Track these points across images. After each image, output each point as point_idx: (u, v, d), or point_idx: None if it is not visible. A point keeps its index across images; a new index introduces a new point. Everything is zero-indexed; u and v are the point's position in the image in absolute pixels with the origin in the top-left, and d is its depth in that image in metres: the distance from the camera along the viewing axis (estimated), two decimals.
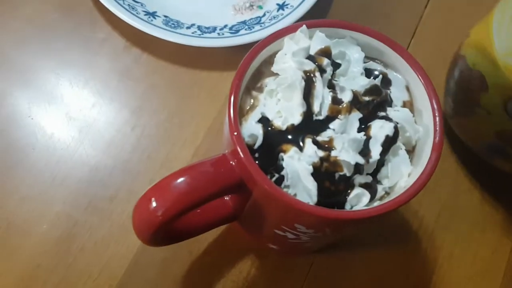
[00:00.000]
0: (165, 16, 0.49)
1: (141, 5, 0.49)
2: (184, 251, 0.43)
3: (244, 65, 0.32)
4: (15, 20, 0.50)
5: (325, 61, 0.32)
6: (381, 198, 0.32)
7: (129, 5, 0.48)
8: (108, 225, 0.43)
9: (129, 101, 0.48)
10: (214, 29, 0.49)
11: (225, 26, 0.49)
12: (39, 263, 0.42)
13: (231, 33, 0.48)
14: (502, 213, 0.48)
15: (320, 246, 0.42)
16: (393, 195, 0.31)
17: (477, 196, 0.48)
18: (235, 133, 0.30)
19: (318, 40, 0.33)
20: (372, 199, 0.31)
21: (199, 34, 0.48)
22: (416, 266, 0.45)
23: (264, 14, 0.50)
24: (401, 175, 0.31)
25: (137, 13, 0.48)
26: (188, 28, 0.48)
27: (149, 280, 0.42)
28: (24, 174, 0.44)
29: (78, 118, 0.47)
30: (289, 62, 0.32)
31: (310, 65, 0.31)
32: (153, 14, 0.49)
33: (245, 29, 0.49)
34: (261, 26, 0.49)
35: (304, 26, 0.33)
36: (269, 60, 0.34)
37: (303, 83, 0.31)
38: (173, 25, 0.48)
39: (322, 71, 0.32)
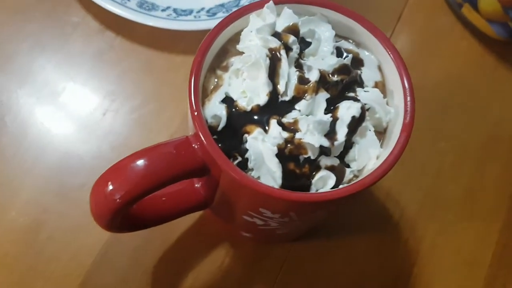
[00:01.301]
0: None
1: None
2: (156, 240, 0.42)
3: (207, 43, 0.30)
4: None
5: (291, 39, 0.30)
6: (349, 181, 0.30)
7: None
8: (77, 213, 0.42)
9: (102, 85, 0.46)
10: (191, 11, 0.47)
11: (202, 9, 0.48)
12: (6, 251, 0.41)
13: (208, 16, 0.47)
14: (489, 203, 0.46)
15: (294, 234, 0.41)
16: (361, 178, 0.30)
17: (463, 185, 0.47)
18: (195, 113, 0.29)
19: (286, 16, 0.31)
20: (339, 182, 0.30)
21: (175, 17, 0.46)
22: (397, 256, 0.44)
23: None
24: (369, 157, 0.30)
25: None
26: (163, 10, 0.47)
27: (119, 270, 0.41)
28: None
29: (49, 102, 0.45)
30: (254, 39, 0.31)
31: (275, 43, 0.30)
32: None
33: (223, 12, 0.47)
34: None
35: (271, 2, 0.31)
36: (235, 38, 0.32)
37: (268, 61, 0.30)
38: (147, 8, 0.47)
39: (288, 49, 0.30)
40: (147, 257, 0.42)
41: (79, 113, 0.45)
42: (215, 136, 0.29)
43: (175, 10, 0.47)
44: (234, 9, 0.47)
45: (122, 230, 0.34)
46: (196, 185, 0.37)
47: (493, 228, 0.46)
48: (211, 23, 0.46)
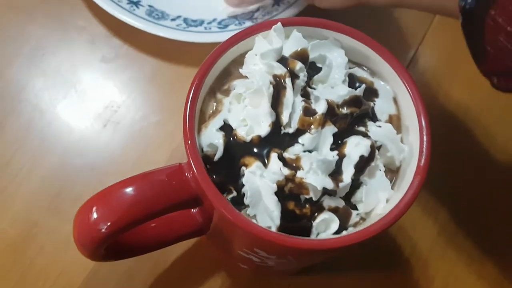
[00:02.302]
0: (150, 6, 0.45)
1: None
2: (149, 262, 0.40)
3: (208, 64, 0.28)
4: None
5: (298, 66, 0.28)
6: (355, 225, 0.28)
7: None
8: (69, 228, 0.40)
9: (104, 94, 0.44)
10: (202, 22, 0.45)
11: (214, 20, 0.45)
12: None
13: (219, 28, 0.45)
14: (504, 246, 0.43)
15: (295, 270, 0.38)
16: (368, 222, 0.27)
17: (477, 225, 0.43)
18: (189, 141, 0.26)
19: (294, 40, 0.29)
20: (343, 225, 0.27)
21: (184, 28, 0.44)
22: None
23: (258, 9, 0.46)
24: (378, 200, 0.27)
25: (119, 1, 0.44)
26: (173, 20, 0.45)
27: None
28: None
29: (48, 110, 0.43)
30: (258, 64, 0.28)
31: (280, 69, 0.27)
32: (136, 3, 0.45)
33: (235, 24, 0.45)
34: (253, 22, 0.45)
35: (279, 23, 0.29)
36: (240, 60, 0.30)
37: (271, 89, 0.27)
38: (157, 16, 0.44)
39: (294, 76, 0.28)
40: (139, 279, 0.39)
41: (78, 123, 0.43)
42: (209, 166, 0.27)
43: (185, 20, 0.45)
44: (247, 22, 0.45)
45: (108, 259, 0.32)
46: (193, 211, 0.35)
47: (509, 274, 0.42)
48: (221, 36, 0.43)
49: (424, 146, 0.27)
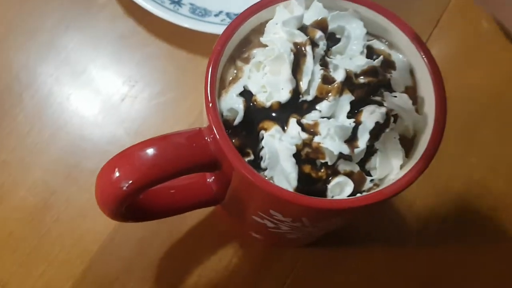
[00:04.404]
0: (191, 4, 0.46)
1: None
2: (164, 232, 0.41)
3: (229, 31, 0.29)
4: None
5: (318, 34, 0.28)
6: (368, 191, 0.28)
7: None
8: (86, 198, 0.41)
9: (123, 70, 0.45)
10: None
11: None
12: (11, 230, 0.40)
13: None
14: None
15: (306, 239, 0.39)
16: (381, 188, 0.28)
17: (489, 205, 0.44)
18: (210, 105, 0.27)
19: (315, 10, 0.29)
20: (357, 190, 0.28)
21: (229, 22, 0.45)
22: (414, 273, 0.42)
23: None
24: (391, 167, 0.28)
25: (161, 2, 0.45)
26: (216, 15, 0.45)
27: (124, 259, 0.40)
28: (4, 137, 0.42)
29: (68, 83, 0.45)
30: (279, 32, 0.29)
31: (301, 37, 0.28)
32: (179, 3, 0.46)
33: None
34: None
35: None
36: (260, 29, 0.30)
37: (292, 56, 0.28)
38: (200, 13, 0.45)
39: (314, 44, 0.28)
40: (153, 249, 0.41)
41: (97, 97, 0.44)
42: (229, 130, 0.28)
43: (227, 15, 0.46)
44: None
45: (127, 220, 0.32)
46: (208, 180, 0.36)
47: None
48: None
49: (439, 115, 0.28)
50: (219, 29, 0.44)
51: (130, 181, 0.28)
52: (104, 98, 0.44)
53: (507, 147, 0.46)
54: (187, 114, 0.44)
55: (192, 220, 0.41)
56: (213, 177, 0.35)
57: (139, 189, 0.28)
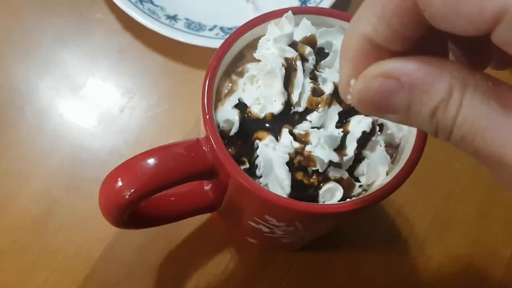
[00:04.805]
0: (186, 19, 0.48)
1: (161, 8, 0.48)
2: (162, 239, 0.42)
3: (225, 47, 0.31)
4: None
5: (307, 50, 0.30)
6: (358, 195, 0.30)
7: (149, 9, 0.47)
8: (88, 207, 0.43)
9: (121, 82, 0.47)
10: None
11: None
12: (15, 238, 0.42)
13: None
14: (500, 229, 0.46)
15: (300, 244, 0.41)
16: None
17: (474, 209, 0.46)
18: (207, 116, 0.29)
19: (304, 27, 0.31)
20: (347, 195, 0.29)
21: (223, 36, 0.47)
22: (403, 274, 0.44)
23: None
24: (378, 173, 0.30)
25: (158, 17, 0.47)
26: (210, 30, 0.47)
27: (124, 265, 0.42)
28: (7, 148, 0.44)
29: (68, 96, 0.46)
30: (271, 48, 0.31)
31: (291, 53, 0.30)
32: (174, 18, 0.48)
33: None
34: None
35: (289, 11, 0.31)
36: (253, 45, 0.32)
37: (283, 70, 0.30)
38: (195, 28, 0.47)
39: (304, 59, 0.30)
40: (153, 255, 0.42)
41: (97, 108, 0.46)
42: (225, 140, 0.30)
43: (221, 29, 0.48)
44: None
45: (129, 227, 0.34)
46: (205, 188, 0.38)
47: (503, 255, 0.45)
48: None
49: None
50: (213, 43, 0.46)
51: (133, 190, 0.29)
52: (103, 109, 0.46)
53: None
54: (182, 125, 0.46)
55: (190, 226, 0.43)
56: (210, 185, 0.37)
57: (141, 197, 0.30)
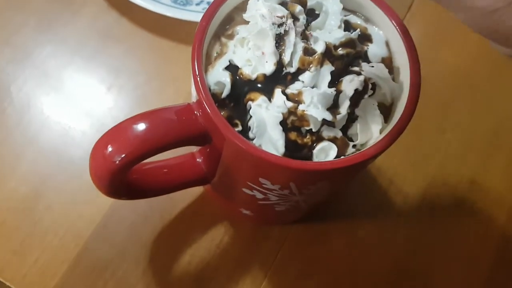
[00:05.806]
0: None
1: None
2: (155, 216, 0.42)
3: (213, 8, 0.30)
4: None
5: (298, 8, 0.30)
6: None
7: None
8: (77, 185, 0.42)
9: (107, 61, 0.46)
10: None
11: None
12: (4, 219, 0.41)
13: None
14: (493, 196, 0.46)
15: (293, 214, 0.41)
16: None
17: (467, 177, 0.46)
18: (198, 78, 0.28)
19: None
20: (341, 154, 0.29)
21: None
22: (397, 244, 0.43)
23: None
24: (371, 132, 0.29)
25: None
26: (197, 4, 0.47)
27: (117, 243, 0.41)
28: None
29: (54, 75, 0.45)
30: (261, 9, 0.30)
31: (282, 11, 0.30)
32: None
33: None
34: None
35: None
36: (241, 7, 0.32)
37: (274, 29, 0.29)
38: (182, 3, 0.46)
39: (295, 18, 0.30)
40: (146, 231, 0.41)
41: (84, 87, 0.45)
42: (217, 103, 0.29)
43: (209, 3, 0.47)
44: None
45: (121, 197, 0.33)
46: (197, 160, 0.37)
47: (497, 223, 0.45)
48: None
49: (414, 80, 0.30)
50: (200, 17, 0.45)
51: (123, 155, 0.29)
52: (91, 88, 0.45)
53: (479, 122, 0.48)
54: (172, 101, 0.45)
55: (183, 202, 0.42)
56: (202, 157, 0.37)
57: (132, 163, 0.29)
